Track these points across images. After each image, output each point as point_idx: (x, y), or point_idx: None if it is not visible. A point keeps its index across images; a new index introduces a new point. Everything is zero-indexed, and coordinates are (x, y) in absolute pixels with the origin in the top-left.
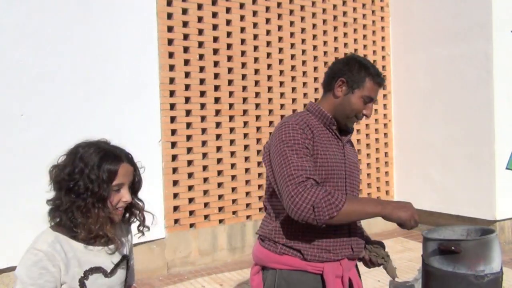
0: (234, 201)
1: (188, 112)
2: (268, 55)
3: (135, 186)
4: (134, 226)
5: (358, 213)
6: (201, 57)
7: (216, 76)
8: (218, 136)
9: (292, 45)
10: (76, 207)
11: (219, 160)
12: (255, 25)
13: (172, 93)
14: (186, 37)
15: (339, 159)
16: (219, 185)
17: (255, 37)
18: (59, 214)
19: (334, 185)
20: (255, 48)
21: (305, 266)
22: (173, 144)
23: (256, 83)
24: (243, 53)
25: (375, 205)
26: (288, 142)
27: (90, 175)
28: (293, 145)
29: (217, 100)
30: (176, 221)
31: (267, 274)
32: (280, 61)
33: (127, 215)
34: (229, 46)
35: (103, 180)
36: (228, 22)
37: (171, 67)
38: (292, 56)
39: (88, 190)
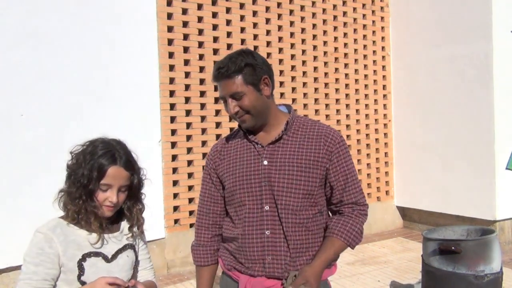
0: None
1: (188, 112)
2: (268, 55)
3: (132, 190)
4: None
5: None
6: (201, 57)
7: None
8: (218, 136)
9: (292, 45)
10: (67, 193)
11: None
12: (255, 25)
13: (172, 93)
14: (186, 37)
15: (252, 165)
16: None
17: (255, 37)
18: (60, 196)
19: (248, 194)
20: (255, 48)
21: (227, 272)
22: (173, 144)
23: None
24: None
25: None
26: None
27: (84, 169)
28: (202, 181)
29: (217, 100)
30: (176, 221)
31: None
32: (280, 61)
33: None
34: (229, 46)
35: (93, 177)
36: (228, 22)
37: (171, 67)
38: (292, 56)
39: (79, 182)
